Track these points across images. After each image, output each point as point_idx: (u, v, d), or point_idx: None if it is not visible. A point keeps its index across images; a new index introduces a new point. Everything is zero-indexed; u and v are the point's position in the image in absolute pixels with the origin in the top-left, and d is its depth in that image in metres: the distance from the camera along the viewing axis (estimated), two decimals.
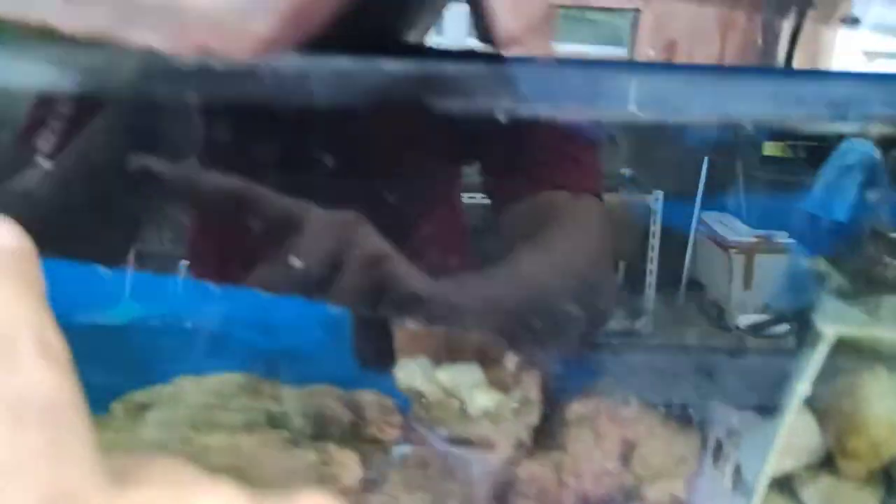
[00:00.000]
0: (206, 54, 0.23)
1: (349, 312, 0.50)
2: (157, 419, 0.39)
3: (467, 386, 0.35)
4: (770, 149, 2.71)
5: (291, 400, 0.40)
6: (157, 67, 0.26)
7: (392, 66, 0.29)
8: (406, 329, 0.42)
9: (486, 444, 0.35)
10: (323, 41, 0.28)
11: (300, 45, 0.27)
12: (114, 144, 0.29)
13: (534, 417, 0.36)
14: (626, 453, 0.37)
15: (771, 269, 2.56)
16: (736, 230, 2.64)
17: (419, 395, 0.35)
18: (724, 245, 2.61)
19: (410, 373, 0.35)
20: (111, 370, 0.48)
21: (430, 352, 0.40)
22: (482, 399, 0.35)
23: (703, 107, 0.32)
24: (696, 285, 2.74)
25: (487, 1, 0.23)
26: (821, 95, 0.31)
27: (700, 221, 2.72)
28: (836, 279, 0.44)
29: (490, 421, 0.34)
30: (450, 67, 0.29)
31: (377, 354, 0.45)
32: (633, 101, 0.30)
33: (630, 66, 0.26)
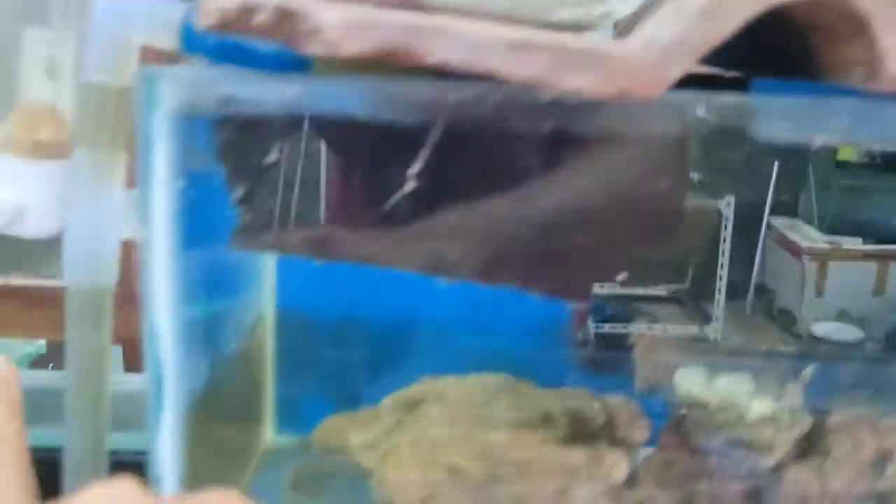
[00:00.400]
0: (625, 97, 0.26)
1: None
2: (433, 415, 0.42)
3: (742, 394, 0.38)
4: (843, 153, 2.68)
5: (551, 400, 0.43)
6: (508, 101, 0.30)
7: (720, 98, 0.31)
8: (645, 336, 0.45)
9: (765, 449, 0.37)
10: None
11: None
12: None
13: (805, 425, 0.38)
14: (882, 462, 0.40)
15: (844, 276, 2.54)
16: (808, 236, 2.62)
17: (699, 401, 0.38)
18: (796, 251, 2.58)
19: (690, 381, 0.38)
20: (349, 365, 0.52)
21: (666, 358, 0.43)
22: (759, 406, 0.37)
23: None
24: (764, 291, 2.72)
25: (881, 40, 0.26)
26: None
27: (769, 227, 2.70)
28: None
29: (770, 427, 0.37)
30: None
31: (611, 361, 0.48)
32: None
33: None
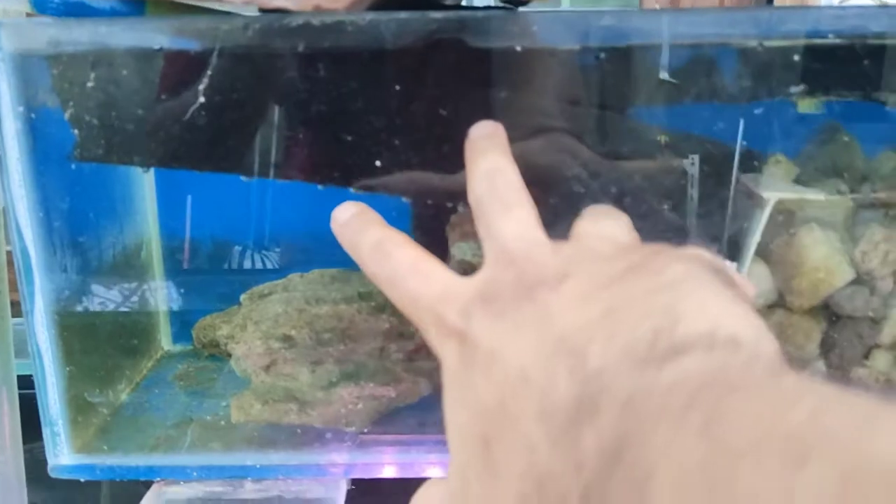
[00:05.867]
0: (318, 10, 0.35)
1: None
2: (278, 299, 0.52)
3: None
4: (805, 106, 2.75)
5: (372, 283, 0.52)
6: (273, 27, 0.39)
7: (436, 15, 0.41)
8: (455, 218, 0.54)
9: None
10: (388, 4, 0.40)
11: (372, 6, 0.39)
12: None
13: None
14: None
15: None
16: (774, 187, 2.69)
17: (471, 266, 0.47)
18: (762, 204, 2.66)
19: (463, 251, 0.47)
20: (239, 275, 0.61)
21: (471, 237, 0.52)
22: None
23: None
24: (736, 245, 2.79)
25: None
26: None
27: (738, 181, 2.77)
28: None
29: None
30: (477, 14, 0.41)
31: (432, 242, 0.58)
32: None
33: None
